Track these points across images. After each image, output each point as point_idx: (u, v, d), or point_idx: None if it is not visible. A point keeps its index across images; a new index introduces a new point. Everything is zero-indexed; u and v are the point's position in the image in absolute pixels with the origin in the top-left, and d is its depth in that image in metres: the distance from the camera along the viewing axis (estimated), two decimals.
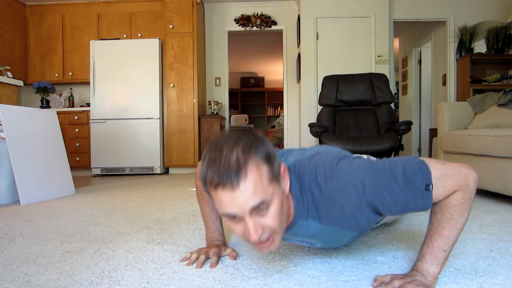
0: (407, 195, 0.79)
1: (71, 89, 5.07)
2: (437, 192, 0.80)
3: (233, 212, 0.76)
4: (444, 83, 4.98)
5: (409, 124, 3.08)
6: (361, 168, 0.83)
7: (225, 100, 5.29)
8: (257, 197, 0.74)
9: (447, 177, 0.80)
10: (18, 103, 3.13)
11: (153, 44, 4.50)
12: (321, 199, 0.87)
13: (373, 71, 4.57)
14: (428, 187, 0.79)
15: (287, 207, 0.85)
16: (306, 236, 0.97)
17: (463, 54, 4.66)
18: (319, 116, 3.61)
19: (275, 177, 0.79)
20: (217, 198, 0.77)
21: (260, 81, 10.00)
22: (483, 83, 4.50)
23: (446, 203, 0.82)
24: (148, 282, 0.96)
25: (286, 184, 0.84)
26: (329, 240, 0.99)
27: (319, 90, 3.85)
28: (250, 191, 0.74)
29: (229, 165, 0.74)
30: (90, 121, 4.46)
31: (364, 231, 1.00)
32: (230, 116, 6.95)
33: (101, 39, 4.62)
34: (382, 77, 3.60)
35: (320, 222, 0.91)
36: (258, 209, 0.76)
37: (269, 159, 0.78)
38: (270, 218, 0.78)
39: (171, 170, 4.69)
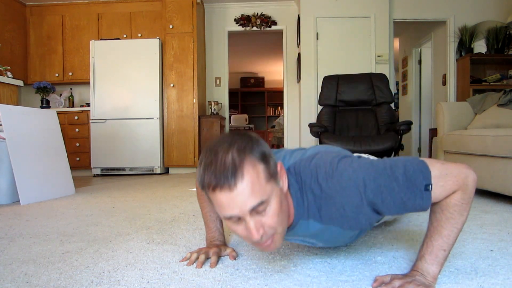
0: (406, 195, 0.80)
1: (71, 89, 5.07)
2: (437, 192, 0.80)
3: (233, 213, 0.76)
4: (444, 83, 4.98)
5: (409, 124, 3.08)
6: (362, 168, 0.83)
7: (225, 100, 5.29)
8: (255, 197, 0.75)
9: (447, 177, 0.81)
10: (18, 103, 3.13)
11: (153, 44, 4.50)
12: (322, 198, 0.87)
13: (373, 71, 4.57)
14: (427, 187, 0.79)
15: (287, 205, 0.86)
16: (307, 236, 0.97)
17: (463, 54, 4.67)
18: (319, 116, 3.61)
19: (272, 176, 0.79)
20: (216, 201, 0.77)
21: (260, 81, 10.01)
22: (483, 83, 4.50)
23: (445, 203, 0.83)
24: (148, 282, 0.96)
25: (284, 182, 0.85)
26: (330, 239, 0.99)
27: (319, 90, 3.85)
28: (248, 191, 0.74)
29: (225, 167, 0.74)
30: (90, 121, 4.46)
31: (364, 230, 1.00)
32: (230, 116, 6.95)
33: (101, 39, 4.62)
34: (382, 77, 3.60)
35: (321, 222, 0.91)
36: (258, 209, 0.76)
37: (264, 158, 0.79)
38: (270, 217, 0.78)
39: (171, 170, 4.70)
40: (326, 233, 0.95)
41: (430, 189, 0.80)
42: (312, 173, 0.87)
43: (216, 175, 0.74)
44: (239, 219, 0.78)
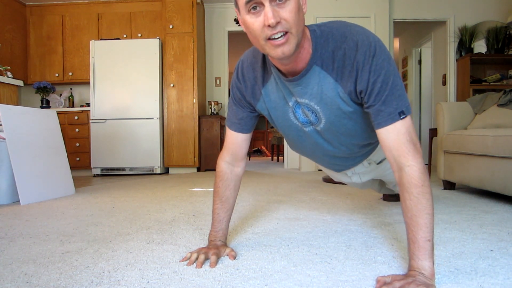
0: (388, 97, 0.92)
1: (71, 89, 5.07)
2: (403, 129, 0.91)
3: None
4: (444, 83, 4.98)
5: None
6: (387, 56, 0.96)
7: (225, 100, 5.29)
8: None
9: (415, 138, 0.93)
10: (18, 103, 3.13)
11: (153, 44, 4.50)
12: (342, 49, 0.96)
13: None
14: (401, 115, 0.92)
15: (303, 20, 0.93)
16: (315, 96, 1.03)
17: (463, 54, 4.67)
18: None
19: None
20: None
21: None
22: (483, 83, 4.50)
23: (408, 182, 0.90)
24: (148, 282, 0.96)
25: (304, 4, 0.94)
26: (332, 115, 1.06)
27: None
28: None
29: None
30: (90, 121, 4.46)
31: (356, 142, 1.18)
32: None
33: (101, 39, 4.62)
34: None
35: (332, 76, 0.99)
36: None
37: None
38: (288, 11, 0.86)
39: (171, 170, 4.70)
40: (332, 103, 1.03)
41: (402, 117, 0.92)
42: (343, 29, 0.99)
43: None
44: (259, 10, 0.86)
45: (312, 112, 1.08)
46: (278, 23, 0.86)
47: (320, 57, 0.99)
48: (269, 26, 0.86)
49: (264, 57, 1.10)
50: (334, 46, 0.97)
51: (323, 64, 0.99)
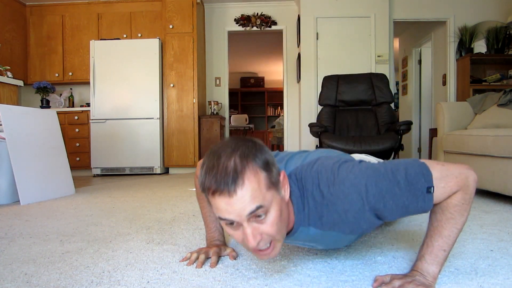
0: (408, 199, 0.80)
1: (71, 89, 5.07)
2: (438, 193, 0.80)
3: (230, 218, 0.76)
4: (444, 83, 4.98)
5: (409, 124, 3.08)
6: (364, 173, 0.83)
7: (225, 100, 5.29)
8: (254, 203, 0.75)
9: (448, 178, 0.81)
10: (18, 103, 3.13)
11: (153, 44, 4.50)
12: (324, 205, 0.87)
13: (373, 71, 4.57)
14: (429, 189, 0.80)
15: (287, 214, 0.85)
16: (307, 241, 0.97)
17: (463, 54, 4.67)
18: (319, 116, 3.61)
19: (273, 184, 0.79)
20: (214, 204, 0.77)
21: (260, 81, 10.00)
22: (483, 83, 4.50)
23: (446, 204, 0.83)
24: (148, 282, 0.96)
25: (286, 191, 0.84)
26: (331, 243, 0.99)
27: (319, 90, 3.85)
28: (247, 198, 0.74)
29: (226, 172, 0.74)
30: (90, 121, 4.46)
31: (365, 233, 0.99)
32: (230, 116, 6.96)
33: (101, 39, 4.62)
34: (382, 77, 3.60)
35: (322, 229, 0.90)
36: (256, 214, 0.76)
37: (267, 167, 0.78)
38: (269, 225, 0.78)
39: (171, 170, 4.70)
40: (326, 237, 0.94)
41: (432, 191, 0.79)
42: (314, 179, 0.87)
43: (216, 180, 0.74)
44: (237, 225, 0.78)
45: (308, 245, 1.04)
46: (259, 240, 0.78)
47: (304, 219, 0.91)
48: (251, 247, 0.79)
49: None
50: (316, 205, 0.88)
51: (310, 223, 0.91)
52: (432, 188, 0.79)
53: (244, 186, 0.74)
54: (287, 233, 0.92)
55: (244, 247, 0.85)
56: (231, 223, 0.78)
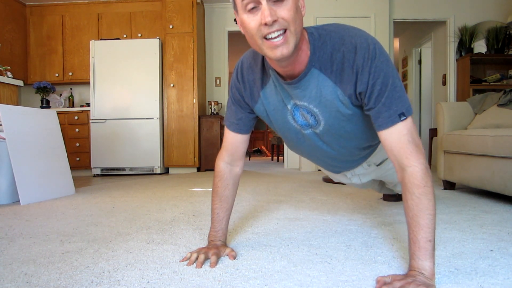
0: (388, 99, 0.92)
1: (71, 89, 5.07)
2: (404, 130, 0.91)
3: None
4: (444, 83, 4.98)
5: None
6: (386, 58, 0.94)
7: (225, 100, 5.29)
8: None
9: (417, 139, 0.93)
10: (18, 103, 3.13)
11: (153, 44, 4.50)
12: (340, 52, 0.95)
13: None
14: (402, 117, 0.91)
15: (301, 19, 0.92)
16: (314, 99, 1.03)
17: (463, 54, 4.67)
18: None
19: None
20: None
21: None
22: (483, 83, 4.50)
23: (410, 183, 0.90)
24: (148, 282, 0.96)
25: (303, 6, 0.93)
26: (332, 117, 1.06)
27: None
28: None
29: None
30: (90, 121, 4.46)
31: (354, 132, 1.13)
32: None
33: (101, 39, 4.62)
34: None
35: (331, 78, 0.98)
36: None
37: None
38: (286, 9, 0.85)
39: (171, 170, 4.70)
40: (331, 105, 1.02)
41: (402, 119, 0.91)
42: (341, 32, 0.98)
43: None
44: (256, 9, 0.85)
45: (311, 115, 1.08)
46: (275, 21, 0.84)
47: (319, 59, 0.98)
48: (265, 24, 0.84)
49: (263, 59, 1.09)
50: (333, 48, 0.97)
51: (322, 67, 0.98)
52: (404, 117, 0.91)
53: None
54: (298, 77, 0.99)
55: (257, 43, 0.89)
56: (251, 6, 0.85)
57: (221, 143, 4.61)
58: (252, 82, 1.13)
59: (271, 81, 1.08)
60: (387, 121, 0.93)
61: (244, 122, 1.20)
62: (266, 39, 0.87)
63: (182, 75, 4.61)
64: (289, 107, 1.10)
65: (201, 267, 1.05)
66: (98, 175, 4.46)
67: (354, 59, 0.94)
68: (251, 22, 0.87)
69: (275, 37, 0.86)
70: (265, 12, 0.83)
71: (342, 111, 1.04)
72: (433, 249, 0.88)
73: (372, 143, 1.25)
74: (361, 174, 1.50)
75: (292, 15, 0.85)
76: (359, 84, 0.95)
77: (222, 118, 4.93)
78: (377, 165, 1.45)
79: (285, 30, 0.86)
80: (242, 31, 0.94)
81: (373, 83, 0.92)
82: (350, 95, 0.98)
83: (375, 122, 0.96)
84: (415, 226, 0.89)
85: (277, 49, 0.87)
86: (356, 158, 1.34)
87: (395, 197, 2.10)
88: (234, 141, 1.22)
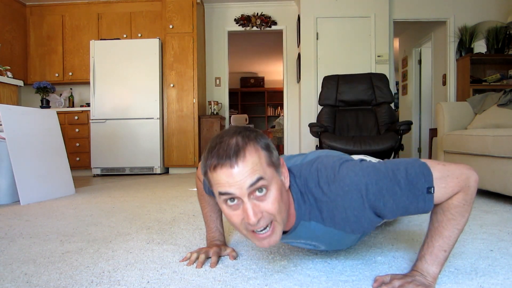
0: (408, 198, 0.80)
1: (71, 89, 5.07)
2: (439, 194, 0.80)
3: (231, 191, 0.76)
4: (444, 83, 4.98)
5: (409, 124, 3.08)
6: (364, 172, 0.83)
7: (225, 100, 5.29)
8: (255, 174, 0.75)
9: (448, 178, 0.80)
10: (18, 103, 3.13)
11: (153, 44, 4.50)
12: (324, 202, 0.87)
13: (373, 71, 4.57)
14: (429, 190, 0.79)
15: (287, 199, 0.85)
16: (309, 238, 0.97)
17: (463, 54, 4.66)
18: (319, 116, 3.61)
19: (274, 164, 0.80)
20: (215, 180, 0.77)
21: (260, 81, 10.00)
22: (483, 83, 4.50)
23: (447, 204, 0.83)
24: (148, 282, 0.96)
25: (286, 178, 0.85)
26: (333, 242, 0.99)
27: (319, 90, 3.85)
28: (248, 169, 0.75)
29: (228, 147, 0.76)
30: (90, 121, 4.46)
31: (367, 233, 0.99)
32: (230, 116, 6.94)
33: (101, 39, 4.62)
34: (382, 77, 3.60)
35: (324, 224, 0.90)
36: (257, 187, 0.76)
37: (268, 148, 0.81)
38: (270, 203, 0.78)
39: (171, 170, 4.69)
40: (328, 236, 0.94)
41: (432, 191, 0.79)
42: (313, 176, 0.87)
43: (219, 155, 0.76)
44: (237, 203, 0.78)
45: (310, 245, 1.03)
46: (260, 219, 0.77)
47: (305, 214, 0.90)
48: (250, 224, 0.78)
49: None
50: (315, 201, 0.88)
51: (311, 217, 0.91)
52: (432, 188, 0.79)
53: (246, 158, 0.75)
54: (288, 231, 0.92)
55: (242, 232, 0.82)
56: (231, 200, 0.78)
57: None
58: None
59: None
60: (428, 207, 0.81)
61: None
62: (253, 232, 0.80)
63: (182, 75, 4.61)
64: (283, 241, 1.03)
65: (202, 267, 1.05)
66: (98, 175, 4.46)
67: (344, 206, 0.84)
68: (233, 216, 0.79)
69: (262, 230, 0.80)
70: (249, 213, 0.76)
71: (344, 239, 0.98)
72: (445, 259, 0.86)
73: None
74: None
75: (277, 207, 0.78)
76: (363, 220, 0.86)
77: (222, 118, 4.93)
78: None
79: (271, 221, 0.80)
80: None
81: (382, 206, 0.82)
82: (353, 230, 0.90)
83: (421, 213, 0.85)
84: (436, 234, 0.85)
85: (265, 240, 0.81)
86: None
87: None
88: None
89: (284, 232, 0.94)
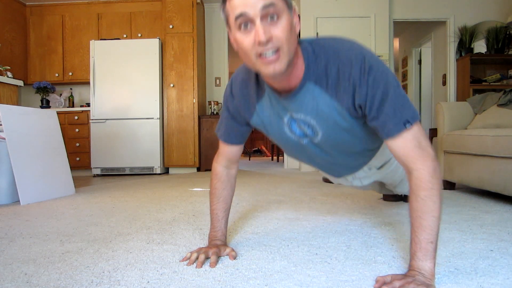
0: (389, 110, 0.90)
1: (71, 89, 5.07)
2: (405, 140, 0.90)
3: (245, 10, 0.83)
4: (444, 83, 4.98)
5: None
6: (381, 64, 0.93)
7: None
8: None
9: (422, 144, 0.91)
10: (18, 103, 3.13)
11: (153, 44, 4.50)
12: (335, 65, 0.95)
13: None
14: (406, 124, 0.90)
15: (295, 41, 0.91)
16: (310, 112, 1.02)
17: (463, 54, 4.67)
18: None
19: (286, 2, 0.88)
20: (232, 6, 0.86)
21: None
22: (483, 83, 4.50)
23: (416, 185, 0.90)
24: (148, 282, 0.96)
25: (297, 24, 0.92)
26: (330, 127, 1.05)
27: None
28: None
29: None
30: (90, 121, 4.46)
31: (356, 146, 1.14)
32: None
33: (101, 39, 4.62)
34: None
35: (327, 91, 0.98)
36: (268, 13, 0.84)
37: None
38: (279, 29, 0.85)
39: (171, 170, 4.70)
40: (327, 113, 1.01)
41: (406, 127, 0.90)
42: (334, 45, 0.97)
43: None
44: (249, 29, 0.85)
45: (308, 126, 1.08)
46: (269, 40, 0.84)
47: (313, 73, 0.97)
48: (260, 43, 0.85)
49: (257, 73, 1.09)
50: (327, 62, 0.96)
51: (317, 80, 0.98)
52: (409, 124, 0.90)
53: None
54: (294, 90, 0.99)
55: (251, 61, 0.90)
56: (245, 25, 0.85)
57: None
58: (247, 95, 1.13)
59: (266, 95, 1.08)
60: (392, 130, 0.91)
61: (242, 134, 1.22)
62: (260, 56, 0.87)
63: (182, 75, 4.61)
64: (285, 120, 1.10)
65: (201, 267, 1.05)
66: (98, 175, 4.46)
67: (350, 73, 0.93)
68: (245, 40, 0.87)
69: (269, 55, 0.86)
70: (259, 31, 0.83)
71: (339, 123, 1.03)
72: (434, 250, 0.88)
73: (372, 148, 1.25)
74: (362, 177, 1.50)
75: (285, 35, 0.86)
76: (357, 97, 0.94)
77: None
78: (378, 168, 1.44)
79: (278, 49, 0.86)
80: (235, 48, 0.93)
81: (372, 94, 0.92)
82: (348, 107, 0.98)
83: (380, 132, 0.95)
84: (418, 227, 0.89)
85: (270, 65, 0.87)
86: (357, 163, 1.34)
87: (395, 197, 2.10)
88: (231, 150, 1.25)
89: (289, 92, 1.00)
